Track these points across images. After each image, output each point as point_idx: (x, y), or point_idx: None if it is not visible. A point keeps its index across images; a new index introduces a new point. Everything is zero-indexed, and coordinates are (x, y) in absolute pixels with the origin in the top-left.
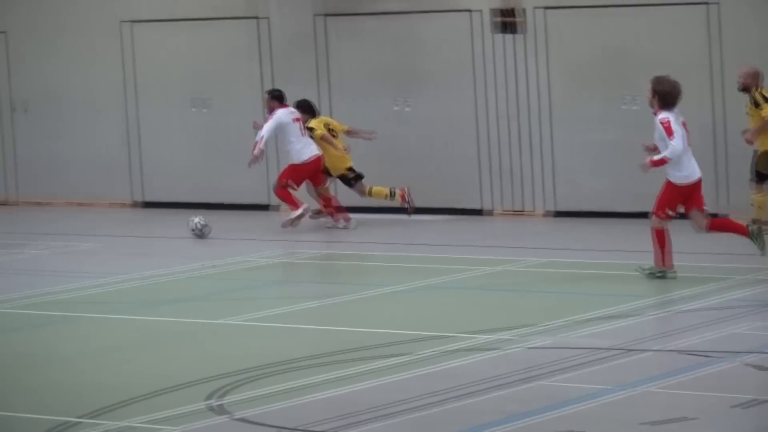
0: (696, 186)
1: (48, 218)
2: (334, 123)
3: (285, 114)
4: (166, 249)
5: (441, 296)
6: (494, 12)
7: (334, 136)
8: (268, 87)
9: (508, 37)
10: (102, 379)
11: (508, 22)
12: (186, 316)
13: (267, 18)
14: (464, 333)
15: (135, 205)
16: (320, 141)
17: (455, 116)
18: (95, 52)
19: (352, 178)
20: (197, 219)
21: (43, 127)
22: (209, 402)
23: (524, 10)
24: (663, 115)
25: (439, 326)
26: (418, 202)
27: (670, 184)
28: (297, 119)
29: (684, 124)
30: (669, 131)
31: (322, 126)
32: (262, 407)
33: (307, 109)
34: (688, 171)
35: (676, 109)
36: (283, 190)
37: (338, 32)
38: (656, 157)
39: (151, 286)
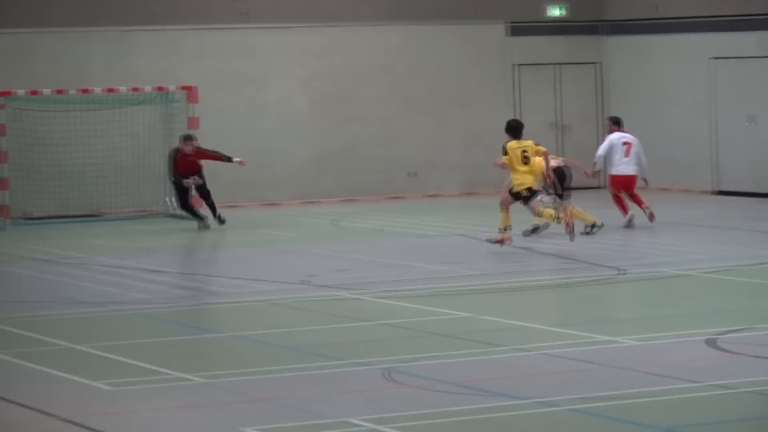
0: None
1: None
2: (532, 147)
3: (617, 137)
4: None
5: None
6: None
7: (526, 157)
8: None
9: None
10: None
11: None
12: None
13: None
14: None
15: None
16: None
17: None
18: None
19: (525, 197)
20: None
21: None
22: None
23: None
24: None
25: None
26: None
27: None
28: (626, 143)
29: None
30: None
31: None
32: None
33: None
34: None
35: None
36: (614, 196)
37: None
38: None
39: None
